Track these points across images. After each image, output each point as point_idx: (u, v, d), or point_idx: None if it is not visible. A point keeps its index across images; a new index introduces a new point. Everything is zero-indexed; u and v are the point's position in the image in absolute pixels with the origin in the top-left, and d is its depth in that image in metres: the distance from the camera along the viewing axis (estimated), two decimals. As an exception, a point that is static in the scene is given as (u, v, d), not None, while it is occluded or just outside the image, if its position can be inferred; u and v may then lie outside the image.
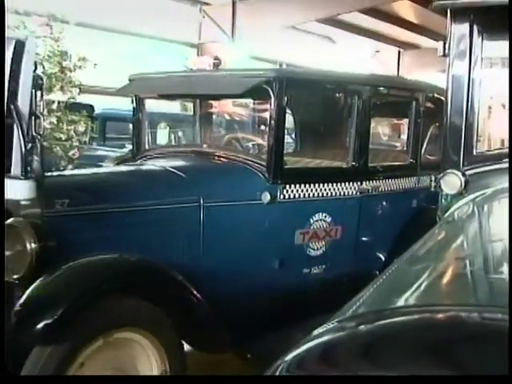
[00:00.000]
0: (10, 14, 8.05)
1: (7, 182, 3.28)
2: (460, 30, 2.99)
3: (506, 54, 3.16)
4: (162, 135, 8.90)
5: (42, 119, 3.44)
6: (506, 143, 3.15)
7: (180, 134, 8.89)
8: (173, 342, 3.58)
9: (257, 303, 4.19)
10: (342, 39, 19.21)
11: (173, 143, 8.36)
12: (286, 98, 4.31)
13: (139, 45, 15.06)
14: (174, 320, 3.56)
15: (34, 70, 3.36)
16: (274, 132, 4.31)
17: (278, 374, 1.33)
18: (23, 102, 3.29)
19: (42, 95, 3.47)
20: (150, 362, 3.52)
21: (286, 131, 4.61)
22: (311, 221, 4.52)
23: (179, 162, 4.62)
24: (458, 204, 2.93)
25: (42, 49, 7.49)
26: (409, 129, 5.36)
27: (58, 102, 7.99)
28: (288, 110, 4.64)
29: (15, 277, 3.38)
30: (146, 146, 5.26)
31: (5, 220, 3.23)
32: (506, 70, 3.20)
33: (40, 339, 3.11)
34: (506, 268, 1.82)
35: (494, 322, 1.35)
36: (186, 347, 3.75)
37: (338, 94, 5.48)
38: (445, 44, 3.04)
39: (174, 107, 10.14)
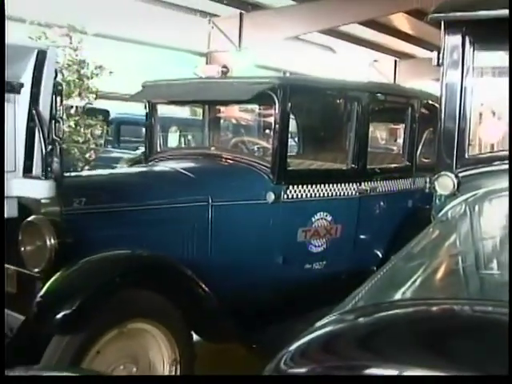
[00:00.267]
0: (33, 26, 8.10)
1: (29, 182, 3.29)
2: (453, 41, 2.98)
3: (496, 63, 3.17)
4: (173, 138, 8.92)
5: (61, 123, 3.45)
6: (496, 147, 3.15)
7: (190, 137, 8.90)
8: (182, 333, 3.58)
9: (261, 296, 4.19)
10: (342, 49, 19.20)
11: (183, 146, 8.37)
12: (289, 104, 4.31)
13: (152, 54, 15.06)
14: (183, 312, 3.56)
15: (55, 78, 3.37)
16: (278, 136, 4.31)
17: (282, 363, 1.34)
18: (44, 107, 3.30)
19: (61, 101, 3.49)
20: (161, 351, 3.53)
21: (289, 135, 4.60)
22: (313, 219, 4.51)
23: (189, 164, 4.62)
24: (451, 204, 2.93)
25: (61, 58, 7.51)
26: (405, 133, 5.35)
27: (76, 107, 8.01)
28: (291, 115, 4.64)
29: (36, 270, 3.40)
30: (158, 149, 5.26)
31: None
32: (496, 79, 3.20)
33: (59, 329, 3.12)
34: (495, 264, 1.82)
35: (485, 314, 1.35)
36: (195, 337, 3.75)
37: (338, 101, 5.48)
38: (439, 54, 3.04)
39: (184, 112, 10.17)
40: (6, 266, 3.59)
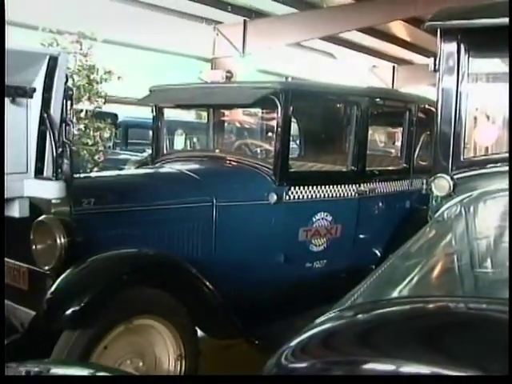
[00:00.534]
0: (45, 33, 8.12)
1: (40, 183, 3.30)
2: (449, 48, 2.99)
3: (490, 69, 3.17)
4: (179, 141, 8.93)
5: (71, 126, 3.46)
6: (490, 150, 3.15)
7: (195, 139, 8.92)
8: (187, 329, 3.58)
9: (263, 294, 4.19)
10: (342, 55, 19.20)
11: (188, 148, 8.39)
12: (291, 108, 4.31)
13: (159, 59, 15.07)
14: (188, 308, 3.56)
15: (65, 82, 3.37)
16: (280, 138, 4.31)
17: (283, 358, 1.34)
18: (55, 111, 3.30)
19: (71, 104, 3.49)
20: (166, 346, 3.52)
21: (291, 138, 4.60)
22: (313, 219, 4.51)
23: (194, 166, 4.62)
24: (447, 205, 2.93)
25: (72, 63, 7.52)
26: (402, 136, 5.34)
27: (86, 111, 8.02)
28: (293, 119, 4.63)
29: (46, 268, 3.40)
30: (164, 151, 5.27)
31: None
32: (491, 85, 3.20)
33: (68, 324, 3.12)
34: (490, 263, 1.82)
35: (479, 311, 1.35)
36: (199, 333, 3.75)
37: (338, 105, 5.48)
38: (435, 60, 3.04)
39: (189, 116, 10.17)
40: (18, 263, 3.60)
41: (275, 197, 4.21)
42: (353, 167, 4.74)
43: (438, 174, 3.03)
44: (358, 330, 1.37)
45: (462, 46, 2.95)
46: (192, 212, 4.02)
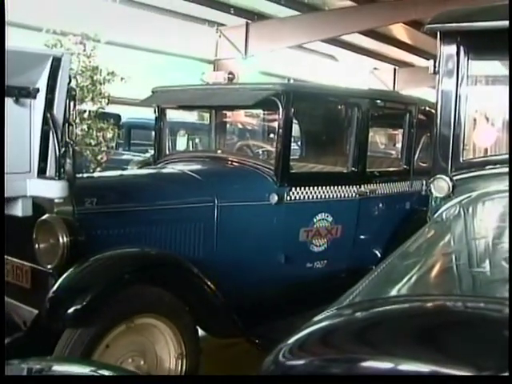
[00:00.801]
0: (49, 34, 8.13)
1: (43, 183, 3.30)
2: (448, 50, 2.99)
3: (489, 72, 3.18)
4: (181, 142, 8.92)
5: (74, 126, 3.47)
6: (489, 152, 3.16)
7: (197, 140, 8.90)
8: (188, 328, 3.58)
9: (264, 294, 4.19)
10: (343, 57, 19.21)
11: (190, 149, 8.37)
12: (292, 110, 4.31)
13: (162, 61, 15.09)
14: (189, 308, 3.56)
15: (69, 83, 3.37)
16: (282, 140, 4.31)
17: (281, 355, 1.34)
18: (58, 111, 3.30)
19: (74, 105, 3.49)
20: (167, 345, 3.52)
21: (292, 139, 4.60)
22: (314, 220, 4.51)
23: (196, 166, 4.62)
24: (446, 206, 2.93)
25: (75, 64, 7.52)
26: (403, 138, 5.34)
27: (89, 112, 8.01)
28: (294, 120, 4.63)
29: (49, 267, 3.40)
30: (167, 152, 5.26)
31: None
32: (490, 87, 3.21)
33: (70, 323, 3.12)
34: (487, 262, 1.82)
35: (476, 310, 1.35)
36: (200, 332, 3.75)
37: (339, 107, 5.47)
38: (435, 63, 3.04)
39: (192, 117, 10.17)
40: (21, 262, 3.61)
41: (276, 197, 4.21)
42: (353, 168, 4.74)
43: (438, 176, 3.03)
44: (355, 328, 1.37)
45: (462, 49, 2.95)
46: (194, 212, 4.02)
